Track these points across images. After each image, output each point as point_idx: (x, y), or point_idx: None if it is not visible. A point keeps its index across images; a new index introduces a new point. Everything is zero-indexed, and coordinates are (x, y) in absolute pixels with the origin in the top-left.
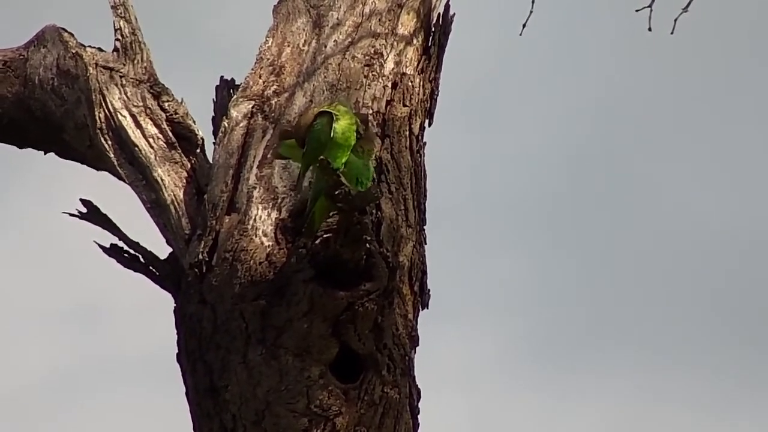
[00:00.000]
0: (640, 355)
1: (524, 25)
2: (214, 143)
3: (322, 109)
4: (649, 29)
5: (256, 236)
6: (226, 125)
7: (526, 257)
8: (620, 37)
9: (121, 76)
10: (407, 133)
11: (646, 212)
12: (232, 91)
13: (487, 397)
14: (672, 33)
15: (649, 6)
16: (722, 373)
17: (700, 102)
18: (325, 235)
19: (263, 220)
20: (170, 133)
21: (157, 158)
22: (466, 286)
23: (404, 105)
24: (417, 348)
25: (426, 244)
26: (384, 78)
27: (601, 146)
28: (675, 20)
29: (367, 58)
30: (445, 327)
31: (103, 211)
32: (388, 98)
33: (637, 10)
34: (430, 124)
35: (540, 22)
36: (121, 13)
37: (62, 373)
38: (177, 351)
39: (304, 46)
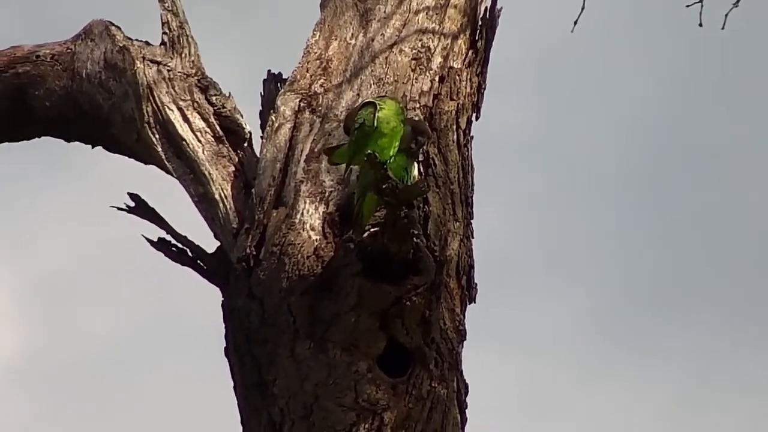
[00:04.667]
0: (704, 336)
1: (576, 22)
2: (261, 137)
3: (367, 101)
4: (700, 24)
5: (303, 230)
6: (274, 119)
7: (595, 231)
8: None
9: (168, 70)
10: (454, 127)
11: (715, 190)
12: (279, 84)
13: (546, 367)
14: (723, 28)
15: (700, 1)
16: None
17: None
18: (372, 229)
19: (311, 214)
20: (218, 127)
21: (205, 152)
22: (536, 257)
23: (451, 99)
24: (464, 342)
25: (473, 237)
26: (431, 72)
27: (668, 118)
28: (726, 15)
29: (414, 52)
30: (514, 296)
31: (151, 204)
32: (436, 92)
33: (687, 6)
34: (477, 118)
35: (591, 17)
36: (168, 6)
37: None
38: (225, 345)
39: (351, 40)
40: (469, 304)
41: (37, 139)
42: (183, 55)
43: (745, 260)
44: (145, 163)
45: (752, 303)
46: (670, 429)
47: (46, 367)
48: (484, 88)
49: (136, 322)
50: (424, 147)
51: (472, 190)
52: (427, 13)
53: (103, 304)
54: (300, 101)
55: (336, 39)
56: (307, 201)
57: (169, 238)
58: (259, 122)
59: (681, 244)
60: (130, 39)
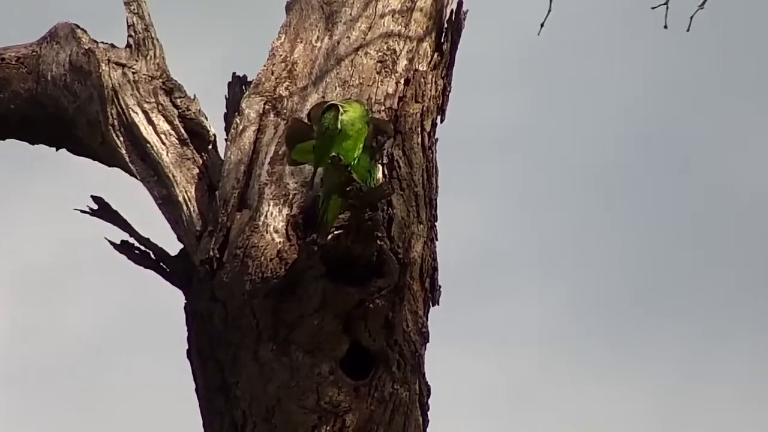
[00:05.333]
0: (689, 329)
1: (542, 25)
2: (226, 140)
3: (330, 103)
4: (665, 26)
5: (267, 233)
6: (238, 122)
7: (573, 222)
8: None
9: (133, 73)
10: (419, 129)
11: (701, 185)
12: (244, 87)
13: (529, 362)
14: (688, 30)
15: (665, 3)
16: None
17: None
18: (336, 232)
19: (274, 216)
20: (182, 130)
21: (169, 155)
22: (519, 252)
23: (416, 102)
24: (427, 344)
25: (437, 240)
26: (397, 75)
27: (653, 116)
28: (691, 17)
29: (380, 54)
30: (487, 291)
31: (114, 207)
32: (401, 95)
33: (653, 8)
34: (442, 121)
35: (558, 20)
36: (134, 9)
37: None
38: (187, 348)
39: (316, 42)
40: (433, 306)
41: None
42: (148, 58)
43: (730, 254)
44: (109, 166)
45: (737, 296)
46: (656, 422)
47: (17, 363)
48: (450, 91)
49: (109, 320)
50: (388, 147)
51: (437, 192)
52: (392, 16)
53: (77, 301)
54: (265, 104)
55: (301, 41)
56: (271, 203)
57: (132, 240)
58: (224, 125)
59: (665, 238)
60: (95, 42)
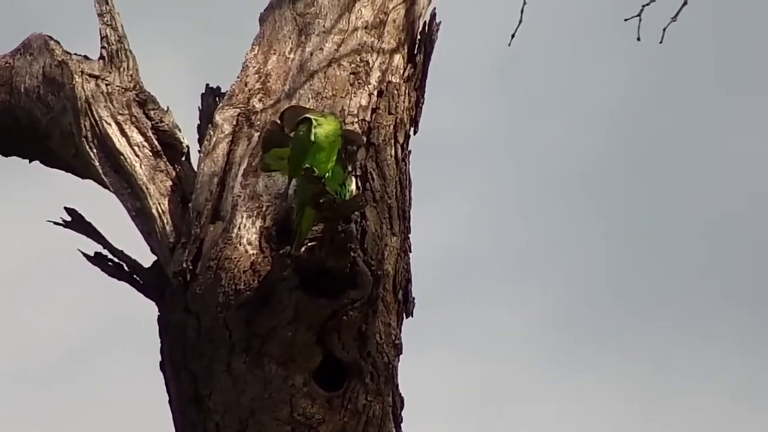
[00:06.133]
0: (667, 326)
1: (513, 35)
2: (199, 152)
3: (305, 116)
4: (638, 39)
5: (240, 244)
6: (212, 134)
7: (549, 224)
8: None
9: (107, 84)
10: (392, 142)
11: (678, 187)
12: (217, 99)
13: (504, 365)
14: (661, 42)
15: (638, 15)
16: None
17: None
18: (309, 244)
19: (248, 228)
20: (156, 142)
21: (143, 167)
22: (499, 257)
23: (390, 114)
24: (400, 356)
25: (411, 252)
26: (370, 87)
27: (631, 121)
28: (664, 29)
29: (353, 66)
30: (465, 295)
31: (88, 219)
32: (374, 107)
33: (626, 20)
34: (415, 132)
35: (530, 31)
36: (107, 20)
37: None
38: (160, 360)
39: (290, 54)
40: (406, 318)
41: None
42: (121, 69)
43: (711, 253)
44: (83, 178)
45: (718, 294)
46: (639, 418)
47: None
48: (423, 103)
49: (82, 328)
50: (360, 158)
51: (410, 204)
52: (365, 28)
53: (49, 308)
54: (238, 116)
55: (275, 53)
56: (244, 215)
57: (105, 252)
58: (197, 136)
59: (643, 238)
60: (68, 53)
